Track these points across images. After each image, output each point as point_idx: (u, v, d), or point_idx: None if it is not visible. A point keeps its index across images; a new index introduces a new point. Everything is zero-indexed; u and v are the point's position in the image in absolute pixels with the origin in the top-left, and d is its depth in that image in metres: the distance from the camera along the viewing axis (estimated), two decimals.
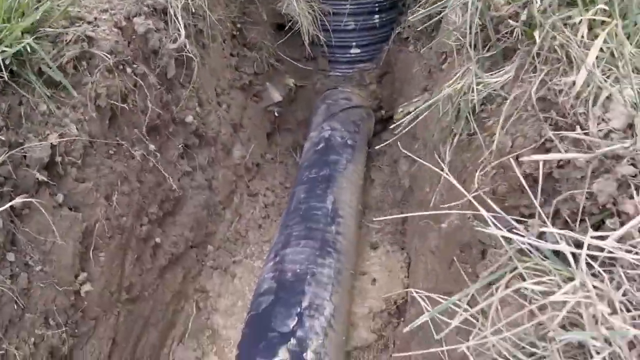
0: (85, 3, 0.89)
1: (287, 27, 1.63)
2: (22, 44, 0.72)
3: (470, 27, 0.89)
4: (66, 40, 0.82)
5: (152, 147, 1.05)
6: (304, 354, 1.00)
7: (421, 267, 1.29)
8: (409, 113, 1.61)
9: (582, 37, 0.65)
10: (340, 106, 1.77)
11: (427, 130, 1.44)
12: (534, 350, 0.40)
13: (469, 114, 0.82)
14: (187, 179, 1.29)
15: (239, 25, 1.60)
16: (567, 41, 0.66)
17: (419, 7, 1.59)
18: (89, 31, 0.84)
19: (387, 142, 1.52)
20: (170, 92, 1.15)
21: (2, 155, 0.68)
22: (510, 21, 0.84)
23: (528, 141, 0.62)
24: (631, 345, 0.35)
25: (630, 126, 0.53)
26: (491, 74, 0.82)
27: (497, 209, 0.50)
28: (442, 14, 1.08)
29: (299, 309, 1.07)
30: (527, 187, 0.51)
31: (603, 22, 0.66)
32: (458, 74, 0.90)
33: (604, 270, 0.40)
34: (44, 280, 0.75)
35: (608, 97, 0.57)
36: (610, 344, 0.35)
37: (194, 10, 1.18)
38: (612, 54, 0.63)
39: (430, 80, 1.52)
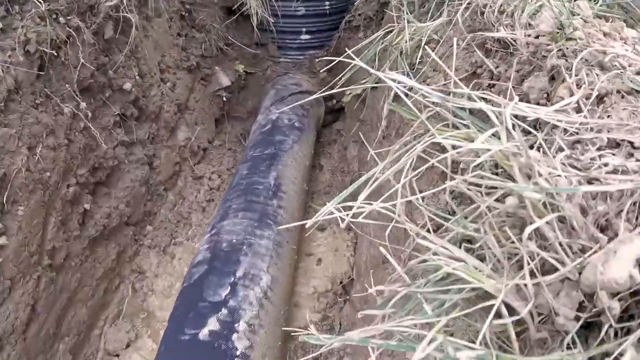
0: None
1: (235, 9, 1.60)
2: None
3: None
4: None
5: (83, 104, 1.00)
6: (236, 325, 0.93)
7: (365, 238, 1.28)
8: (358, 95, 1.63)
9: None
10: (289, 91, 1.75)
11: (374, 110, 1.45)
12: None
13: (403, 61, 0.82)
14: (123, 149, 1.23)
15: (187, 6, 1.57)
16: None
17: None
18: None
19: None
20: (108, 55, 1.10)
21: None
22: None
23: (459, 73, 0.63)
24: (582, 211, 0.32)
25: (560, 29, 0.53)
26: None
27: None
28: None
29: (232, 279, 1.03)
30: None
31: None
32: (394, 30, 0.91)
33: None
34: None
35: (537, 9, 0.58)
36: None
37: None
38: None
39: (376, 64, 1.53)
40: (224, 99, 1.79)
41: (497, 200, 0.37)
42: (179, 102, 1.56)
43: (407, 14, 0.82)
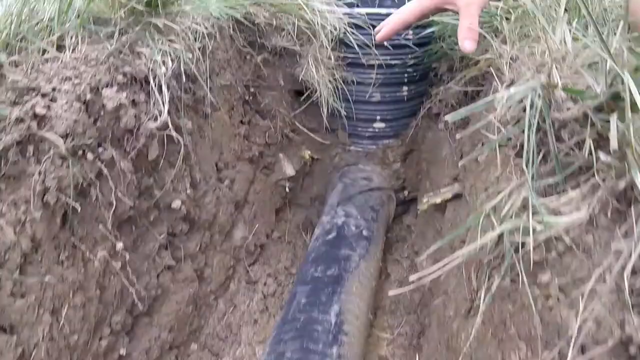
0: (45, 69, 0.71)
1: (305, 95, 1.44)
2: None
3: (528, 137, 0.66)
4: (9, 120, 0.63)
5: (120, 245, 0.85)
6: None
7: None
8: (435, 204, 1.40)
9: None
10: (359, 187, 1.56)
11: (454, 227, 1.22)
12: None
13: (517, 258, 0.59)
14: (169, 273, 1.08)
15: (252, 90, 1.43)
16: None
17: (453, 81, 1.41)
18: (40, 107, 0.66)
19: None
20: (153, 175, 0.96)
21: None
22: (578, 126, 0.63)
23: (603, 332, 0.40)
24: None
25: None
26: (550, 202, 0.60)
27: None
28: (484, 101, 0.87)
29: None
30: None
31: None
32: (503, 194, 0.67)
33: None
34: None
35: None
36: None
37: (190, 77, 1.00)
38: None
39: (462, 169, 1.30)
40: (287, 189, 1.62)
41: None
42: (237, 200, 1.41)
43: (531, 191, 0.59)
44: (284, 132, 1.56)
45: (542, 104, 0.66)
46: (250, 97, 1.46)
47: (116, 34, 0.80)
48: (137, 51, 0.83)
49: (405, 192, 1.71)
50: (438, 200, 1.34)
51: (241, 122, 1.43)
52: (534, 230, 0.55)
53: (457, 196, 1.31)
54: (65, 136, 0.68)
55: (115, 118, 0.78)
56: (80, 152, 0.71)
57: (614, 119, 0.51)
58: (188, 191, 1.09)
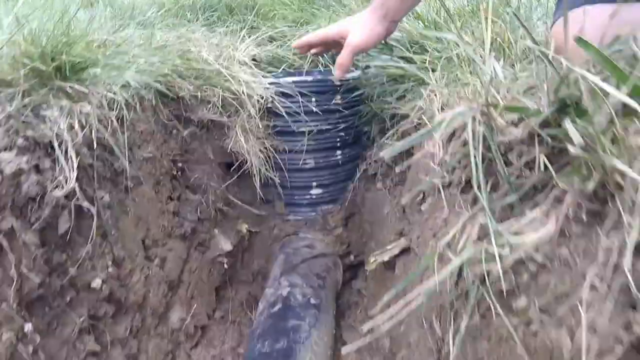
0: None
1: (235, 166, 1.41)
2: None
3: (476, 164, 0.65)
4: None
5: (28, 326, 0.74)
6: None
7: None
8: (384, 262, 1.36)
9: None
10: (301, 256, 1.50)
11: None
12: None
13: (485, 289, 0.54)
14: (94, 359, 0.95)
15: (180, 164, 1.38)
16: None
17: (386, 139, 1.42)
18: None
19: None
20: (66, 250, 0.87)
21: None
22: (525, 146, 0.62)
23: (608, 341, 0.36)
24: None
25: None
26: (511, 225, 0.57)
27: None
28: (419, 133, 0.86)
29: None
30: None
31: None
32: (456, 227, 0.64)
33: None
34: None
35: None
36: None
37: (106, 148, 0.94)
38: None
39: (406, 223, 1.29)
40: (225, 265, 1.53)
41: None
42: (171, 279, 1.30)
43: (487, 211, 0.55)
44: (217, 206, 1.50)
45: (485, 130, 0.65)
46: (179, 172, 1.40)
47: (18, 96, 0.74)
48: (41, 115, 0.77)
49: (352, 257, 1.67)
50: (386, 257, 1.30)
51: (170, 197, 1.36)
52: (499, 256, 0.51)
53: (404, 251, 1.28)
54: None
55: (15, 185, 0.70)
56: None
57: (567, 121, 0.50)
58: (110, 269, 0.99)
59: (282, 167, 1.51)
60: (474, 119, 0.65)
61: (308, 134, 1.47)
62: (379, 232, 1.48)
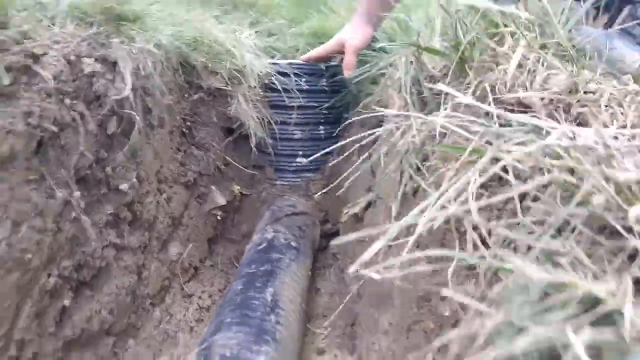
0: (42, 33, 0.89)
1: (235, 127, 1.67)
2: None
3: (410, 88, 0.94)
4: (11, 52, 0.80)
5: (77, 193, 0.97)
6: None
7: (374, 357, 1.15)
8: (355, 215, 1.62)
9: (509, 47, 0.70)
10: (284, 212, 1.75)
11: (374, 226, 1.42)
12: None
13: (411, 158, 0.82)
14: (113, 251, 1.17)
15: (188, 124, 1.63)
16: (494, 54, 0.71)
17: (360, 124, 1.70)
18: (37, 49, 0.83)
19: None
20: (108, 151, 1.11)
21: None
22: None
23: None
24: None
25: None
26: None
27: None
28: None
29: None
30: None
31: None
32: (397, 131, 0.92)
33: None
34: None
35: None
36: None
37: (144, 86, 1.20)
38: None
39: (373, 180, 1.55)
40: (219, 217, 1.77)
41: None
42: (174, 216, 1.54)
43: (413, 107, 0.84)
44: (216, 164, 1.75)
45: (416, 68, 0.94)
46: (187, 130, 1.66)
47: (95, 26, 1.01)
48: (110, 41, 1.03)
49: (329, 225, 1.91)
50: (356, 209, 1.56)
51: (178, 149, 1.61)
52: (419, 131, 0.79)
53: (371, 204, 1.54)
54: (52, 79, 0.85)
55: (89, 82, 0.96)
56: (60, 96, 0.88)
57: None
58: (134, 182, 1.23)
59: (274, 137, 1.77)
60: (408, 61, 0.95)
61: (297, 108, 1.75)
62: (352, 196, 1.74)
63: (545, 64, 0.61)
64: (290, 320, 1.22)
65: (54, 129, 0.85)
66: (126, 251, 1.26)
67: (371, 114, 0.93)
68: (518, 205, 0.41)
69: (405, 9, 1.52)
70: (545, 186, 0.39)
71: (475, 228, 0.44)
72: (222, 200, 1.77)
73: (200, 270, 1.70)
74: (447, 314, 0.60)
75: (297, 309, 1.32)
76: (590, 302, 0.28)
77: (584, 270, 0.32)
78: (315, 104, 1.76)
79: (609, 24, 0.91)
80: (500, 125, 0.50)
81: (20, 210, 0.82)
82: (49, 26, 0.94)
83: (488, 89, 0.65)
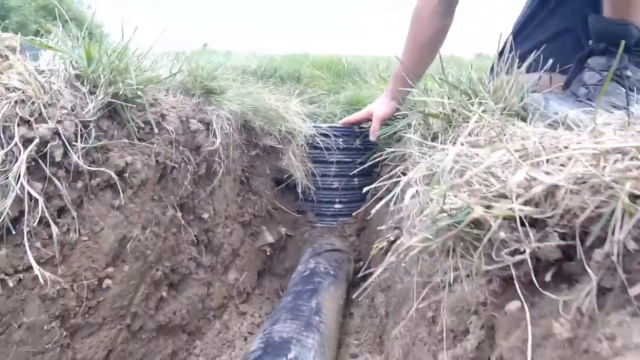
0: (161, 99, 1.30)
1: (285, 177, 2.05)
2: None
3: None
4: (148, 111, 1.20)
5: (179, 214, 1.34)
6: None
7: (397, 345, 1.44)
8: (383, 248, 1.93)
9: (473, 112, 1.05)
10: (324, 248, 2.07)
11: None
12: None
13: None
14: (193, 264, 1.52)
15: (247, 174, 2.02)
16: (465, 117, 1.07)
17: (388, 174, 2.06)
18: (164, 111, 1.23)
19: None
20: (197, 186, 1.49)
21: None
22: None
23: None
24: None
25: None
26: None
27: None
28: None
29: (284, 359, 1.21)
30: None
31: None
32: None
33: None
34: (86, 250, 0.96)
35: None
36: None
37: (226, 142, 1.59)
38: None
39: (399, 218, 1.87)
40: (268, 253, 2.11)
41: None
42: (234, 247, 1.88)
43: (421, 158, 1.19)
44: (267, 208, 2.12)
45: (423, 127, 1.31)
46: (245, 179, 2.04)
47: (195, 97, 1.43)
48: (204, 108, 1.44)
49: (361, 263, 2.22)
50: (384, 243, 1.87)
51: (238, 194, 1.99)
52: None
53: (398, 238, 1.85)
54: (173, 132, 1.25)
55: (193, 136, 1.36)
56: (176, 144, 1.27)
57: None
58: (211, 212, 1.60)
59: (317, 186, 2.13)
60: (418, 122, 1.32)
61: (336, 163, 2.12)
62: (381, 234, 2.07)
63: (490, 120, 0.95)
64: (330, 322, 1.53)
65: (173, 164, 1.23)
66: (201, 267, 1.61)
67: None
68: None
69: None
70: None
71: None
72: (271, 239, 2.11)
73: (251, 296, 2.02)
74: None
75: (335, 317, 1.62)
76: None
77: None
78: (350, 160, 2.13)
79: (565, 86, 1.26)
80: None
81: (147, 219, 1.19)
82: (166, 95, 1.35)
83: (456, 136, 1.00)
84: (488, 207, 0.65)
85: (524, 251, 0.60)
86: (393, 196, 1.00)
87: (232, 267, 1.90)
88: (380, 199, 2.21)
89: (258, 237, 2.12)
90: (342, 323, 1.86)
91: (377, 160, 2.26)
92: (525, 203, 0.61)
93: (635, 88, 1.17)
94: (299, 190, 2.06)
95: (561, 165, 0.62)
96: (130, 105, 1.05)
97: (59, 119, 0.80)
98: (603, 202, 0.52)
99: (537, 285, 0.61)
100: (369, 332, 1.79)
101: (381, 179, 1.22)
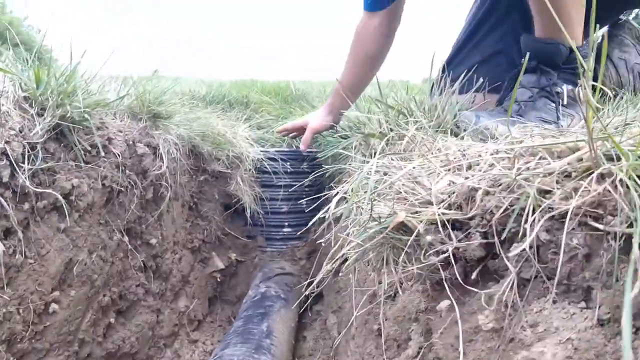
0: (108, 123, 1.31)
1: (234, 202, 2.07)
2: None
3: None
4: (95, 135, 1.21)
5: (126, 238, 1.33)
6: None
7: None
8: (332, 269, 1.97)
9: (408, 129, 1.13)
10: (274, 272, 2.09)
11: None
12: None
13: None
14: (142, 291, 1.50)
15: (195, 200, 2.02)
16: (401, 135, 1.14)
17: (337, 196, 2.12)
18: (111, 134, 1.24)
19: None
20: (144, 213, 1.49)
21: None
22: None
23: None
24: None
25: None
26: None
27: None
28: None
29: None
30: None
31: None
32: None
33: None
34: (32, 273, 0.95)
35: None
36: None
37: (173, 166, 1.61)
38: None
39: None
40: (218, 279, 2.10)
41: None
42: (183, 274, 1.87)
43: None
44: (217, 234, 2.12)
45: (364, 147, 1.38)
46: (194, 205, 2.04)
47: (142, 121, 1.44)
48: (150, 133, 1.46)
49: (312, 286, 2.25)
50: (336, 264, 1.91)
51: (186, 219, 1.99)
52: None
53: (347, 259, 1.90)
54: (119, 155, 1.25)
55: (140, 160, 1.36)
56: (122, 167, 1.28)
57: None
58: (159, 238, 1.59)
59: (266, 210, 2.16)
60: (359, 143, 1.39)
61: (283, 187, 2.16)
62: (332, 257, 2.11)
63: (423, 137, 1.03)
64: (281, 345, 1.54)
65: (120, 188, 1.23)
66: (150, 294, 1.59)
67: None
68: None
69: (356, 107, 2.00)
70: None
71: None
72: (221, 264, 2.11)
73: (202, 323, 2.00)
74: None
75: (287, 339, 1.63)
76: None
77: None
78: (298, 182, 2.18)
79: (498, 102, 1.36)
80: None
81: (93, 243, 1.18)
82: (113, 119, 1.36)
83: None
84: (415, 213, 0.71)
85: (447, 251, 0.66)
86: (327, 209, 1.04)
87: (182, 293, 1.88)
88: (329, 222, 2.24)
89: (208, 263, 2.11)
90: (295, 346, 1.87)
91: (323, 182, 2.33)
92: (449, 207, 0.68)
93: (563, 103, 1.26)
94: (248, 215, 2.08)
95: (481, 171, 0.70)
96: (77, 127, 1.05)
97: (7, 139, 0.80)
98: (516, 199, 0.59)
99: (464, 284, 0.67)
100: (322, 354, 1.81)
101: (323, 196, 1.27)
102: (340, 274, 2.02)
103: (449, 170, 0.69)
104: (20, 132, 0.85)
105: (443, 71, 1.37)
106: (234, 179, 2.09)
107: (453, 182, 0.66)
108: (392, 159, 0.82)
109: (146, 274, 1.55)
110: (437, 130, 1.08)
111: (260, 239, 2.23)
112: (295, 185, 2.19)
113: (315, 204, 2.28)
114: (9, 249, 0.86)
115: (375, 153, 1.41)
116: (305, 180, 2.20)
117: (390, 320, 0.97)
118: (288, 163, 2.15)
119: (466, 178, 0.62)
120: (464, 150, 0.69)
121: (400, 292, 0.90)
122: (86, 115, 1.05)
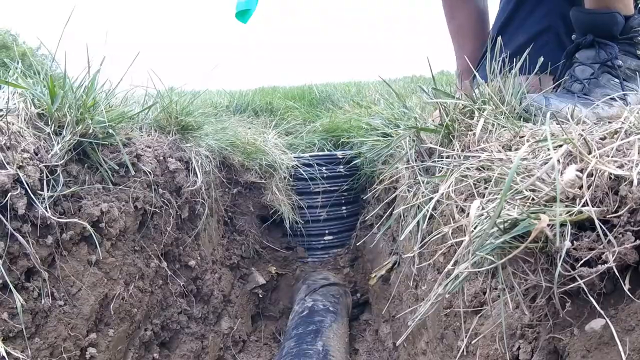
0: (137, 141, 1.19)
1: (269, 218, 1.94)
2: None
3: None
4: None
5: (164, 264, 1.21)
6: None
7: None
8: (382, 276, 1.82)
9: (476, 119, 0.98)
10: (319, 284, 1.95)
11: (402, 284, 1.63)
12: None
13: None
14: (185, 317, 1.38)
15: (229, 214, 1.90)
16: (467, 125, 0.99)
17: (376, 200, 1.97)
18: (139, 151, 1.12)
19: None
20: (181, 232, 1.36)
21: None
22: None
23: None
24: None
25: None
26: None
27: None
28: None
29: None
30: None
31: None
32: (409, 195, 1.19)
33: None
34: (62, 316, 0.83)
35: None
36: None
37: (207, 180, 1.49)
38: None
39: (394, 245, 1.78)
40: (260, 295, 1.97)
41: None
42: (224, 293, 1.75)
43: (419, 174, 1.10)
44: (255, 248, 1.99)
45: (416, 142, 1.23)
46: (229, 220, 1.92)
47: (172, 134, 1.32)
48: (181, 146, 1.34)
49: (358, 295, 2.10)
50: (383, 271, 1.77)
51: (223, 236, 1.86)
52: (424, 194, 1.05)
53: (395, 264, 1.75)
54: (150, 173, 1.13)
55: (173, 176, 1.24)
56: (155, 186, 1.15)
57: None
58: (198, 259, 1.47)
59: (304, 219, 2.03)
60: (411, 139, 1.24)
61: (321, 193, 2.03)
62: (377, 262, 1.96)
63: (498, 124, 0.88)
64: None
65: (154, 209, 1.11)
66: (192, 320, 1.46)
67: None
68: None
69: (401, 97, 1.85)
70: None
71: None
72: (262, 280, 1.98)
73: (247, 344, 1.87)
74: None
75: (344, 357, 1.49)
76: None
77: None
78: (336, 188, 2.04)
79: (556, 86, 1.21)
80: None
81: (129, 273, 1.06)
82: (140, 134, 1.24)
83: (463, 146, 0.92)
84: (536, 213, 0.56)
85: (593, 258, 0.51)
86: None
87: (225, 314, 1.75)
88: (371, 225, 2.09)
89: (248, 280, 1.98)
90: (348, 350, 1.73)
91: (361, 185, 2.19)
92: (585, 204, 0.53)
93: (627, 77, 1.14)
94: (287, 225, 1.94)
95: (614, 158, 0.54)
96: (101, 145, 0.93)
97: (20, 163, 0.68)
98: None
99: (626, 294, 0.52)
100: None
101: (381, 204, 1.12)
102: (389, 281, 1.86)
103: (572, 158, 0.54)
104: (36, 155, 0.73)
105: (497, 51, 1.22)
106: (269, 189, 1.97)
107: (583, 175, 0.51)
108: (491, 151, 0.67)
109: (187, 299, 1.42)
110: (508, 117, 0.93)
111: (300, 249, 2.10)
112: (333, 190, 2.05)
113: (355, 209, 2.14)
114: (32, 292, 0.74)
115: (430, 150, 1.26)
116: (344, 184, 2.07)
117: (487, 338, 0.83)
118: (324, 167, 2.02)
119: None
120: (590, 132, 0.54)
121: (503, 304, 0.74)
122: (111, 131, 0.93)
